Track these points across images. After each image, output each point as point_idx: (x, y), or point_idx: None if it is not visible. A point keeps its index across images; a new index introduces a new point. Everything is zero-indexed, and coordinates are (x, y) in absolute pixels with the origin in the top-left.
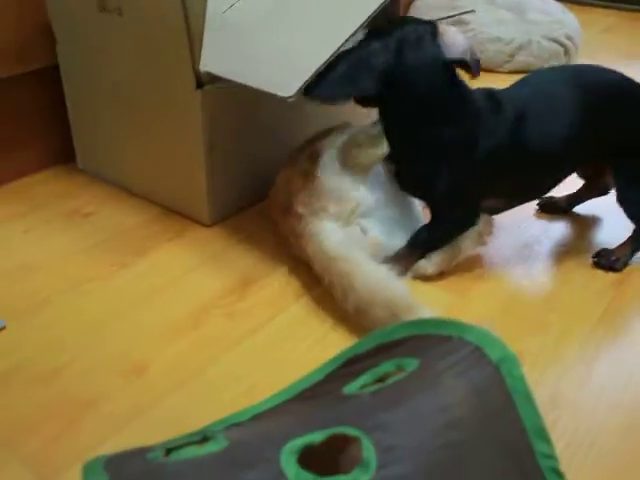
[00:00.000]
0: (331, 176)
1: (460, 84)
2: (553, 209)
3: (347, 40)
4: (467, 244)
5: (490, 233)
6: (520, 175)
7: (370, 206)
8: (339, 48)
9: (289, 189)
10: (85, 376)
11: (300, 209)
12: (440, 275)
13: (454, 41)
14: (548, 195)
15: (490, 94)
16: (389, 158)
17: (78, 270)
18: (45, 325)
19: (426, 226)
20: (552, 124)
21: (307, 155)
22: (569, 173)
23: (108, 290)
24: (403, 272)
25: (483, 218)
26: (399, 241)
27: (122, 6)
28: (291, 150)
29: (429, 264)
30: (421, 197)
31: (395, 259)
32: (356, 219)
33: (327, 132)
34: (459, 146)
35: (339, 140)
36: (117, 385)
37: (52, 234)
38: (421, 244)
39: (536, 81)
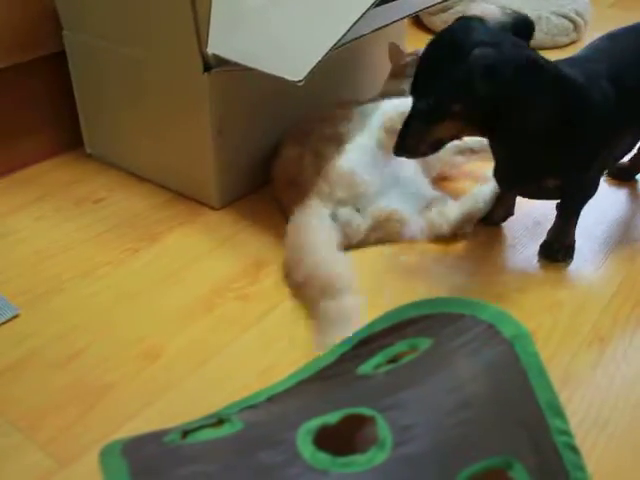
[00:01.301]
0: (348, 163)
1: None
2: (622, 175)
3: (355, 23)
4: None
5: None
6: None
7: (377, 189)
8: (348, 31)
9: (300, 165)
10: (100, 362)
11: (306, 186)
12: (451, 256)
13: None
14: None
15: (574, 62)
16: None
17: (90, 256)
18: (59, 311)
19: (569, 199)
20: None
21: (325, 137)
22: None
23: (121, 276)
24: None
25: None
26: (414, 209)
27: None
28: (298, 126)
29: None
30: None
31: (560, 236)
32: (364, 203)
33: (340, 111)
34: (568, 127)
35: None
36: (132, 370)
37: (63, 221)
38: (575, 213)
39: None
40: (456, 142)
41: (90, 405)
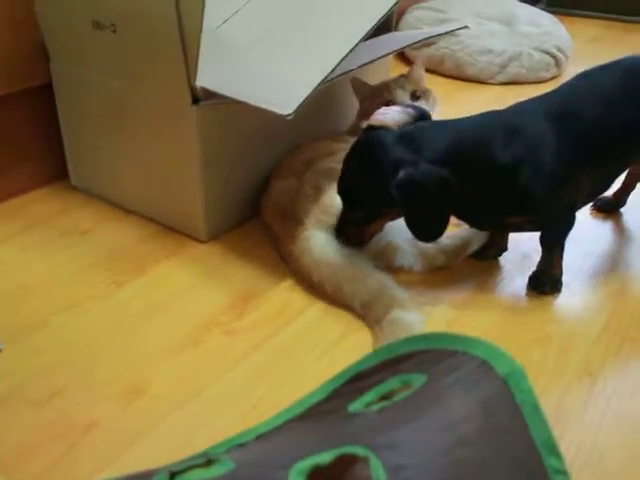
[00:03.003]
0: None
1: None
2: (607, 208)
3: (343, 58)
4: (475, 242)
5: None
6: (598, 158)
7: None
8: (336, 66)
9: (297, 198)
10: (84, 398)
11: (304, 217)
12: (439, 289)
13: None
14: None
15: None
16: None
17: (75, 289)
18: (42, 346)
19: (546, 232)
20: (599, 105)
21: (323, 171)
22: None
23: (106, 309)
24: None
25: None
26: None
27: (116, 23)
28: (286, 158)
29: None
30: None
31: (546, 267)
32: None
33: (336, 145)
34: (533, 172)
35: None
36: (117, 407)
37: (48, 253)
38: (556, 245)
39: (581, 77)
40: None
41: (73, 444)
